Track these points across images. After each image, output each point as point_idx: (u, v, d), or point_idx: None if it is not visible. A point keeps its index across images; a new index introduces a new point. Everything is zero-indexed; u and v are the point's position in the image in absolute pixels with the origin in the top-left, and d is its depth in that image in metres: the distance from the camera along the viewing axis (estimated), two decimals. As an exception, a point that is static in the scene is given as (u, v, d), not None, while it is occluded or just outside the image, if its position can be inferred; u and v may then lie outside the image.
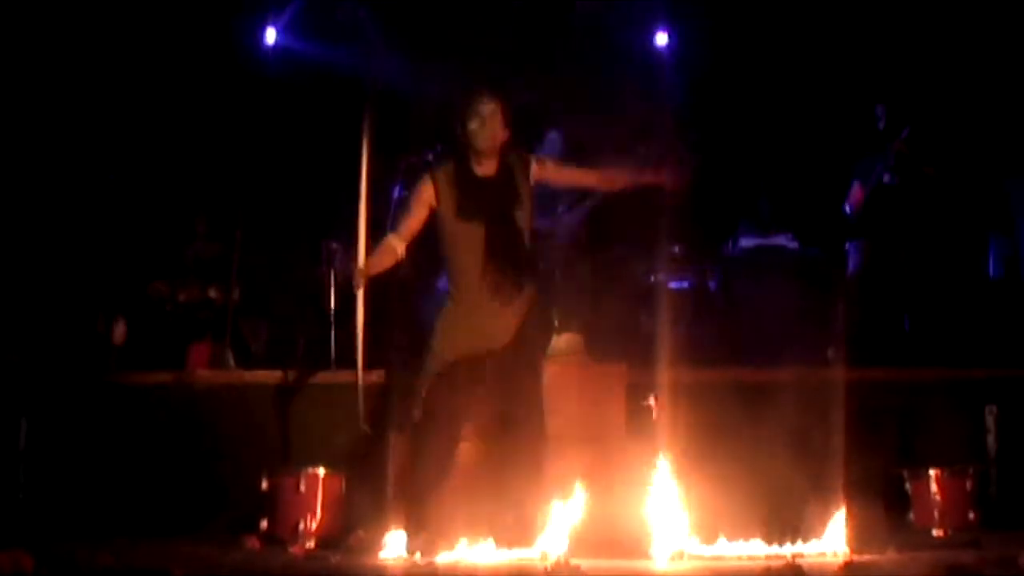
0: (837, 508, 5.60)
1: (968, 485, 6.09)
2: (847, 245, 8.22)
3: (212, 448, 6.74)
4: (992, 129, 8.45)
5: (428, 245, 5.85)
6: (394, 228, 5.80)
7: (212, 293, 7.97)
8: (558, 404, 5.76)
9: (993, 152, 8.46)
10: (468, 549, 5.32)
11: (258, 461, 6.34)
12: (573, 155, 7.27)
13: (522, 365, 5.60)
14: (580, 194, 7.45)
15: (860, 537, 5.57)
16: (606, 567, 5.09)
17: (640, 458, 5.63)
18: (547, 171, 5.79)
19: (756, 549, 5.48)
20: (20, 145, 8.06)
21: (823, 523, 5.60)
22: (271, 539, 5.90)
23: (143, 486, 6.63)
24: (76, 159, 8.28)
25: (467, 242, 5.61)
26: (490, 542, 5.36)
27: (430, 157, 7.66)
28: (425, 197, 5.68)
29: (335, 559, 5.45)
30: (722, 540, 5.53)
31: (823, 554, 5.46)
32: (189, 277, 8.03)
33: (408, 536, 5.40)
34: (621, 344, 6.77)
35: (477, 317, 5.58)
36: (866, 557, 5.32)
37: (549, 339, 5.90)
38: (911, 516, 6.12)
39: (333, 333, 7.50)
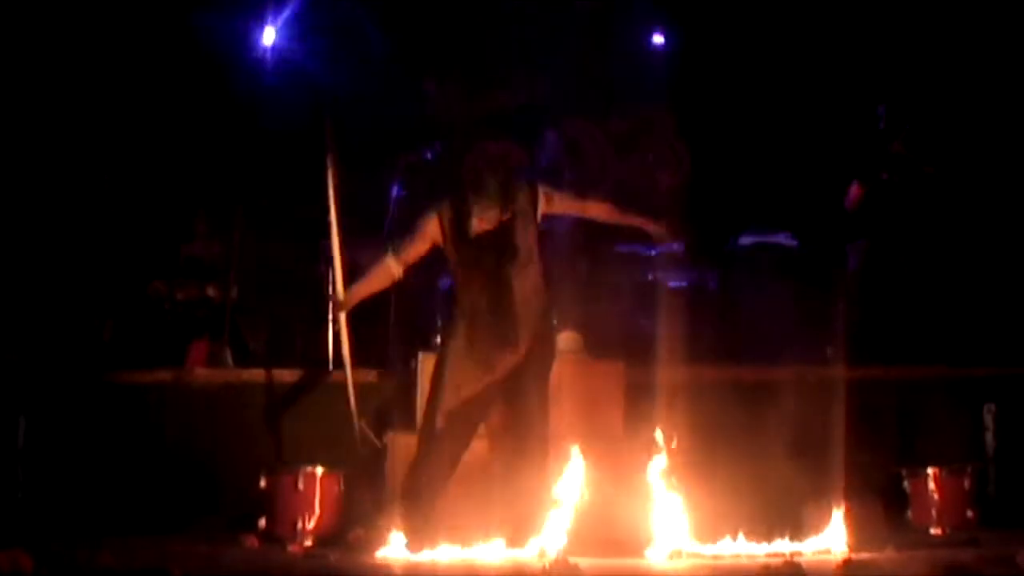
0: (836, 506, 5.61)
1: (966, 484, 6.09)
2: (846, 244, 8.22)
3: (210, 447, 6.73)
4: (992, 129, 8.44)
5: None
6: (394, 246, 5.76)
7: (210, 292, 7.96)
8: (556, 402, 5.76)
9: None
10: (467, 547, 5.33)
11: (256, 459, 6.34)
12: (569, 155, 7.29)
13: (531, 372, 5.61)
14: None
15: (859, 535, 5.58)
16: (604, 565, 5.09)
17: (638, 456, 5.63)
18: (554, 205, 5.70)
19: (755, 547, 5.48)
20: (18, 145, 8.05)
21: (822, 521, 5.61)
22: (270, 537, 5.90)
23: (141, 484, 6.62)
24: (75, 158, 8.26)
25: (470, 282, 5.61)
26: (489, 540, 5.36)
27: (429, 156, 7.67)
28: (429, 234, 5.64)
29: (334, 557, 5.45)
30: (721, 538, 5.54)
31: (822, 552, 5.46)
32: (187, 277, 8.03)
33: (407, 534, 5.40)
34: (619, 342, 6.77)
35: (483, 338, 5.58)
36: (865, 555, 5.32)
37: (555, 349, 5.89)
38: (909, 514, 6.12)
39: (331, 332, 7.49)
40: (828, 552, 5.47)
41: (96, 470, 6.66)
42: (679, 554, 5.36)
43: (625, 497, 5.56)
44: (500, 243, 5.52)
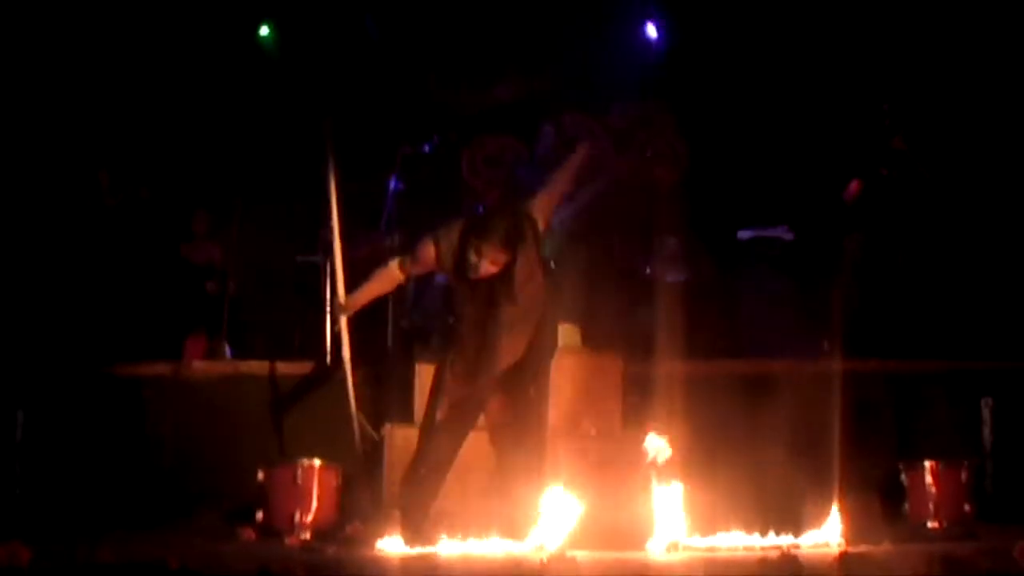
0: (833, 500, 5.61)
1: (964, 477, 6.08)
2: (844, 238, 8.22)
3: (208, 440, 6.74)
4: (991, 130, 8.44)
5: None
6: (400, 254, 5.76)
7: (209, 286, 7.97)
8: (554, 395, 5.76)
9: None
10: (465, 541, 5.33)
11: (254, 453, 6.35)
12: (565, 149, 7.28)
13: (530, 366, 5.61)
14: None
15: (856, 529, 5.58)
16: (602, 559, 5.09)
17: (636, 449, 5.63)
18: (544, 210, 5.64)
19: (752, 540, 5.49)
20: (17, 144, 8.05)
21: (819, 514, 5.61)
22: (267, 530, 5.89)
23: (139, 478, 6.63)
24: (74, 158, 8.26)
25: (465, 305, 5.62)
26: (487, 534, 5.36)
27: (426, 148, 7.68)
28: (425, 260, 5.63)
29: (331, 550, 5.43)
30: (718, 531, 5.54)
31: (819, 545, 5.47)
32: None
33: (406, 528, 5.40)
34: (618, 336, 6.77)
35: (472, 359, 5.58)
36: (862, 549, 5.32)
37: (556, 344, 5.88)
38: (907, 508, 6.11)
39: (330, 325, 7.49)
40: (825, 545, 5.47)
41: (94, 463, 6.67)
42: (676, 547, 5.37)
43: (623, 490, 5.56)
44: (501, 276, 5.49)
